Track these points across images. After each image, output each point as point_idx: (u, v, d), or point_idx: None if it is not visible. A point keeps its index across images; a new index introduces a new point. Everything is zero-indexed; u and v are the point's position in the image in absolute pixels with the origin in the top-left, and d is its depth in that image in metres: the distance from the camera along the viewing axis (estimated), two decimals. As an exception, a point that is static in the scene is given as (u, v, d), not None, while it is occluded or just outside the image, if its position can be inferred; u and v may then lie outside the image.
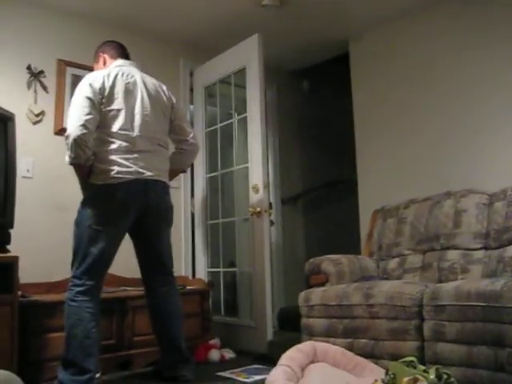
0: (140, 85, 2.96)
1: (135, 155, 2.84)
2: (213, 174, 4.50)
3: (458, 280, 3.04)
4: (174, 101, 3.18)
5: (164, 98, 3.09)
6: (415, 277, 3.38)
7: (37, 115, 3.69)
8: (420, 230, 3.50)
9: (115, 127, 2.82)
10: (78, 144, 2.68)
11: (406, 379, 2.07)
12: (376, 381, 2.21)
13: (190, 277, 4.32)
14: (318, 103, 5.50)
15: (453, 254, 3.27)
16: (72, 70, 3.85)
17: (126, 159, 2.80)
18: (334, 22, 4.27)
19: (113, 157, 2.79)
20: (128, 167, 2.80)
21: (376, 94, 4.31)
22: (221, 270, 4.37)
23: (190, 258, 4.45)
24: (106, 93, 2.81)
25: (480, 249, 3.19)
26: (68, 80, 3.83)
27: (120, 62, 3.04)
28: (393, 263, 3.58)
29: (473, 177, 3.57)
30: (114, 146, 2.80)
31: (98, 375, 2.75)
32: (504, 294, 2.36)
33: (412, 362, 2.32)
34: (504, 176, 3.40)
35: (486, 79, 3.62)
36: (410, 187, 3.91)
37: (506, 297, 2.35)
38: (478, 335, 2.43)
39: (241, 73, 4.14)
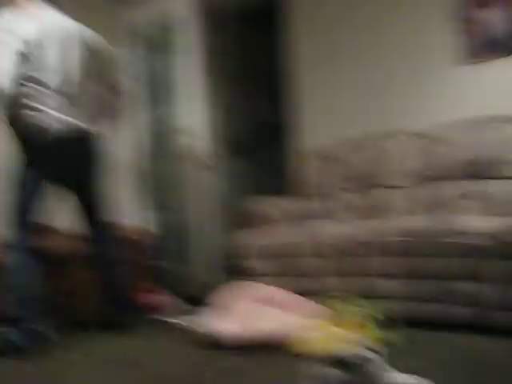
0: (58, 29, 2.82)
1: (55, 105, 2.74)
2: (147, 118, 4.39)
3: (393, 217, 3.16)
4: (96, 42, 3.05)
5: (82, 40, 2.95)
6: (354, 216, 3.46)
7: None
8: (356, 170, 3.59)
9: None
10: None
11: (347, 314, 2.15)
12: (317, 318, 2.29)
13: (127, 223, 4.26)
14: (252, 47, 5.38)
15: (388, 192, 3.39)
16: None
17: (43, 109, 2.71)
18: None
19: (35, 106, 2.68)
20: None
21: (312, 37, 4.24)
22: (160, 216, 4.34)
23: (129, 205, 4.38)
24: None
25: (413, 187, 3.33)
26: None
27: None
28: (331, 203, 3.65)
29: (406, 117, 3.65)
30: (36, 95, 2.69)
31: (44, 330, 2.70)
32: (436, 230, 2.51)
33: (350, 297, 2.43)
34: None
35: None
36: (345, 128, 3.92)
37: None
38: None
39: (172, 17, 4.00)
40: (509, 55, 3.26)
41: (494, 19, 3.33)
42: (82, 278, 3.30)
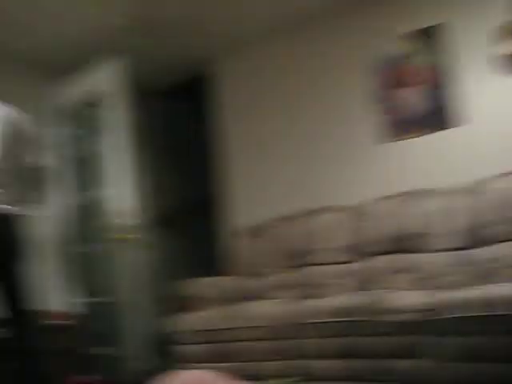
0: None
1: None
2: (72, 200, 4.29)
3: (328, 295, 3.18)
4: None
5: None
6: (289, 293, 3.45)
7: None
8: (288, 247, 3.62)
9: None
10: None
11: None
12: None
13: (53, 309, 4.06)
14: (179, 122, 5.45)
15: (320, 270, 3.43)
16: None
17: None
18: (192, 45, 4.29)
19: None
20: None
21: (239, 113, 4.38)
22: (87, 300, 4.16)
23: (50, 289, 4.19)
24: None
25: (346, 262, 3.38)
26: None
27: None
28: (264, 281, 3.65)
29: (334, 193, 3.77)
30: None
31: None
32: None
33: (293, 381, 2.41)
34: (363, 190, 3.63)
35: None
36: (274, 204, 4.00)
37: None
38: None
39: (98, 94, 3.99)
40: (430, 132, 3.45)
41: (412, 98, 3.54)
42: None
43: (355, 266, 3.35)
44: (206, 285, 3.42)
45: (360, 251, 3.35)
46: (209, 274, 3.60)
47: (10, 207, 2.84)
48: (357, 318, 2.56)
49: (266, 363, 2.87)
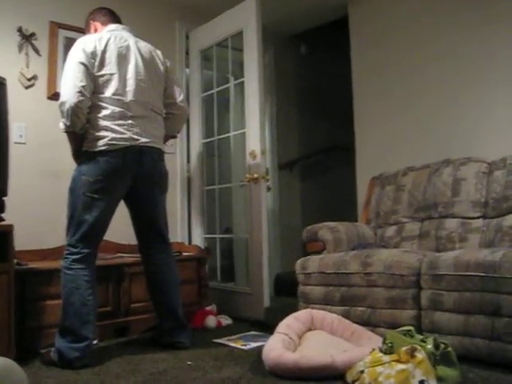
0: (133, 49, 2.88)
1: (129, 121, 2.78)
2: (209, 140, 4.44)
3: (456, 249, 3.05)
4: (168, 65, 3.11)
5: (158, 62, 3.02)
6: (413, 245, 3.37)
7: (29, 79, 3.60)
8: (418, 198, 3.48)
9: (108, 92, 2.76)
10: (74, 111, 2.63)
11: (403, 348, 2.08)
12: (374, 349, 2.22)
13: (186, 243, 4.31)
14: (315, 68, 5.41)
15: (451, 223, 3.25)
16: (64, 32, 3.74)
17: (119, 125, 2.75)
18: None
19: (106, 123, 2.73)
20: (122, 133, 2.74)
21: (375, 60, 4.22)
22: (217, 236, 4.35)
23: (185, 224, 4.44)
24: (98, 57, 2.74)
25: (478, 218, 3.18)
26: (60, 43, 3.73)
27: (112, 26, 2.95)
28: (390, 231, 3.57)
29: (472, 145, 3.53)
30: (107, 112, 2.74)
31: (95, 342, 2.75)
32: (503, 264, 2.36)
33: (409, 331, 2.34)
34: (504, 145, 3.36)
35: (486, 53, 3.54)
36: (408, 154, 3.87)
37: (504, 267, 2.35)
38: (476, 305, 2.43)
39: (238, 36, 4.04)
40: None
41: None
42: (138, 294, 3.34)
43: (487, 221, 3.13)
44: (332, 229, 3.40)
45: (494, 207, 3.12)
46: (337, 219, 3.57)
47: (162, 143, 3.03)
48: (495, 275, 2.39)
49: (383, 311, 2.82)
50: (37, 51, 3.65)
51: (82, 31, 3.20)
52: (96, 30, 3.01)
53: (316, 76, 5.38)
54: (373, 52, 4.24)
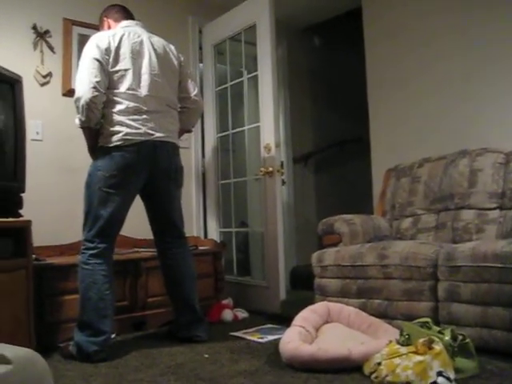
0: (147, 44, 2.89)
1: (144, 116, 2.79)
2: (223, 134, 4.44)
3: (473, 240, 3.02)
4: (182, 59, 3.11)
5: (172, 57, 3.02)
6: (429, 237, 3.35)
7: (44, 76, 3.63)
8: (434, 190, 3.46)
9: (123, 87, 2.77)
10: (89, 107, 2.65)
11: (421, 340, 2.07)
12: (391, 341, 2.22)
13: (202, 237, 4.32)
14: (329, 60, 5.39)
15: (467, 214, 3.23)
16: (78, 29, 3.77)
17: (134, 120, 2.76)
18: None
19: (121, 118, 2.74)
20: (137, 128, 2.76)
21: (390, 52, 4.18)
22: (233, 229, 4.36)
23: (201, 218, 4.45)
24: (113, 53, 2.76)
25: (495, 208, 3.15)
26: (75, 39, 3.75)
27: (125, 22, 2.97)
28: (406, 223, 3.55)
29: (489, 136, 3.49)
30: (121, 107, 2.75)
31: (112, 336, 2.78)
32: (520, 255, 2.34)
33: (426, 322, 2.33)
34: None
35: (505, 44, 3.49)
36: (424, 146, 3.84)
37: (522, 258, 2.33)
38: (494, 296, 2.41)
39: (251, 30, 4.03)
40: None
41: None
42: (155, 288, 3.37)
43: (504, 212, 3.10)
44: (348, 222, 3.39)
45: (511, 198, 3.09)
46: (352, 212, 3.56)
47: (177, 138, 3.04)
48: (500, 265, 2.37)
49: (400, 303, 2.81)
50: (51, 48, 3.68)
51: (96, 28, 3.22)
52: (109, 27, 3.03)
53: (330, 68, 5.36)
54: (387, 43, 4.20)
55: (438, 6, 3.87)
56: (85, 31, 3.72)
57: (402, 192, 3.66)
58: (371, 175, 4.23)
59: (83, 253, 2.74)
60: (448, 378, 1.96)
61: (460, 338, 2.19)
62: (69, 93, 3.57)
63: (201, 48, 4.55)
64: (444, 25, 3.83)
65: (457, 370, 2.06)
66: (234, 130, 4.37)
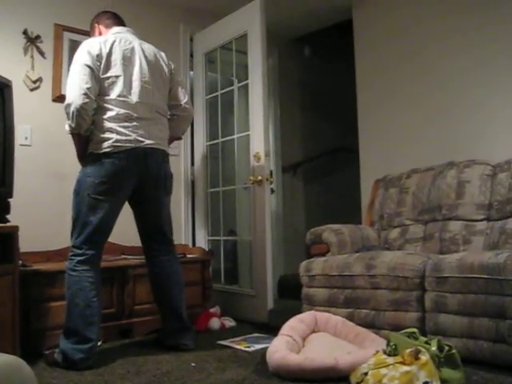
0: (138, 51, 2.90)
1: (134, 123, 2.79)
2: (213, 142, 4.44)
3: (460, 251, 3.05)
4: (173, 67, 3.12)
5: (163, 64, 3.03)
6: (417, 247, 3.37)
7: (34, 81, 3.62)
8: (422, 200, 3.48)
9: (113, 94, 2.77)
10: (79, 113, 2.64)
11: (407, 350, 2.07)
12: (378, 351, 2.22)
13: (190, 245, 4.31)
14: (319, 70, 5.42)
15: (455, 225, 3.25)
16: (69, 34, 3.76)
17: (125, 127, 2.76)
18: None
19: (111, 124, 2.74)
20: (127, 135, 2.75)
21: (379, 63, 4.23)
22: (221, 238, 4.36)
23: (190, 226, 4.44)
24: (104, 60, 2.75)
25: (482, 220, 3.18)
26: (66, 45, 3.75)
27: (117, 29, 2.97)
28: (394, 233, 3.57)
29: (476, 147, 3.53)
30: (112, 114, 2.75)
31: (99, 343, 2.76)
32: (507, 266, 2.36)
33: (413, 333, 2.34)
34: (508, 147, 3.36)
35: (490, 56, 3.54)
36: (412, 157, 3.87)
37: (509, 269, 2.35)
38: (480, 307, 2.43)
39: (242, 38, 4.05)
40: None
41: None
42: (142, 296, 3.35)
43: (491, 224, 3.13)
44: (336, 231, 3.40)
45: (498, 209, 3.12)
46: (341, 222, 3.57)
47: (166, 145, 3.04)
48: (499, 277, 2.38)
49: (387, 313, 2.82)
50: (42, 54, 3.67)
51: (87, 34, 3.22)
52: (100, 33, 3.03)
53: (320, 78, 5.40)
54: (377, 55, 4.24)
55: (426, 18, 3.92)
56: (76, 37, 3.71)
57: (391, 202, 3.68)
58: (360, 185, 4.26)
59: (71, 259, 2.73)
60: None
61: (446, 348, 2.20)
62: (59, 98, 3.56)
63: (192, 56, 4.56)
64: (432, 36, 3.88)
65: (443, 381, 2.07)
66: (224, 139, 4.37)
